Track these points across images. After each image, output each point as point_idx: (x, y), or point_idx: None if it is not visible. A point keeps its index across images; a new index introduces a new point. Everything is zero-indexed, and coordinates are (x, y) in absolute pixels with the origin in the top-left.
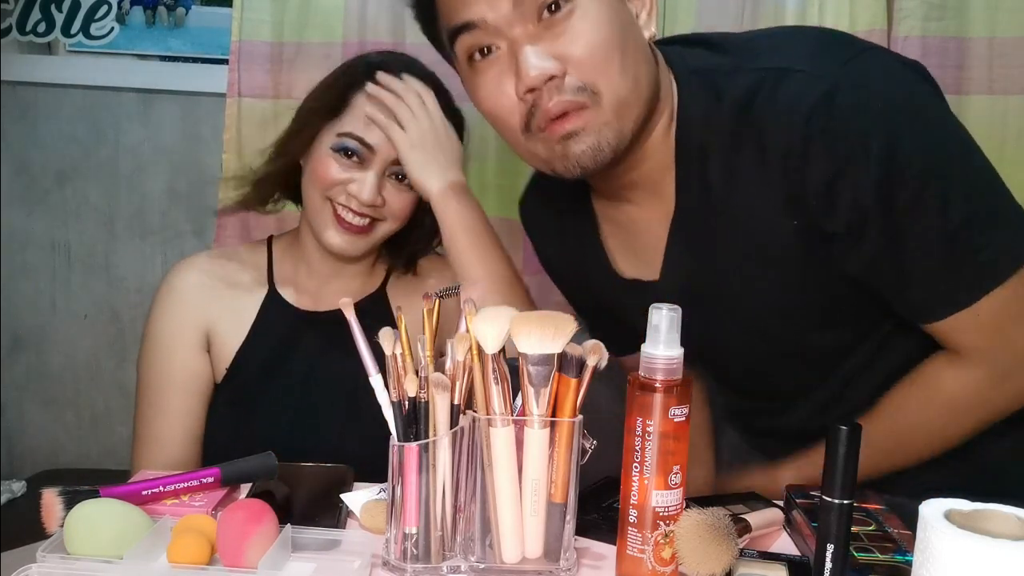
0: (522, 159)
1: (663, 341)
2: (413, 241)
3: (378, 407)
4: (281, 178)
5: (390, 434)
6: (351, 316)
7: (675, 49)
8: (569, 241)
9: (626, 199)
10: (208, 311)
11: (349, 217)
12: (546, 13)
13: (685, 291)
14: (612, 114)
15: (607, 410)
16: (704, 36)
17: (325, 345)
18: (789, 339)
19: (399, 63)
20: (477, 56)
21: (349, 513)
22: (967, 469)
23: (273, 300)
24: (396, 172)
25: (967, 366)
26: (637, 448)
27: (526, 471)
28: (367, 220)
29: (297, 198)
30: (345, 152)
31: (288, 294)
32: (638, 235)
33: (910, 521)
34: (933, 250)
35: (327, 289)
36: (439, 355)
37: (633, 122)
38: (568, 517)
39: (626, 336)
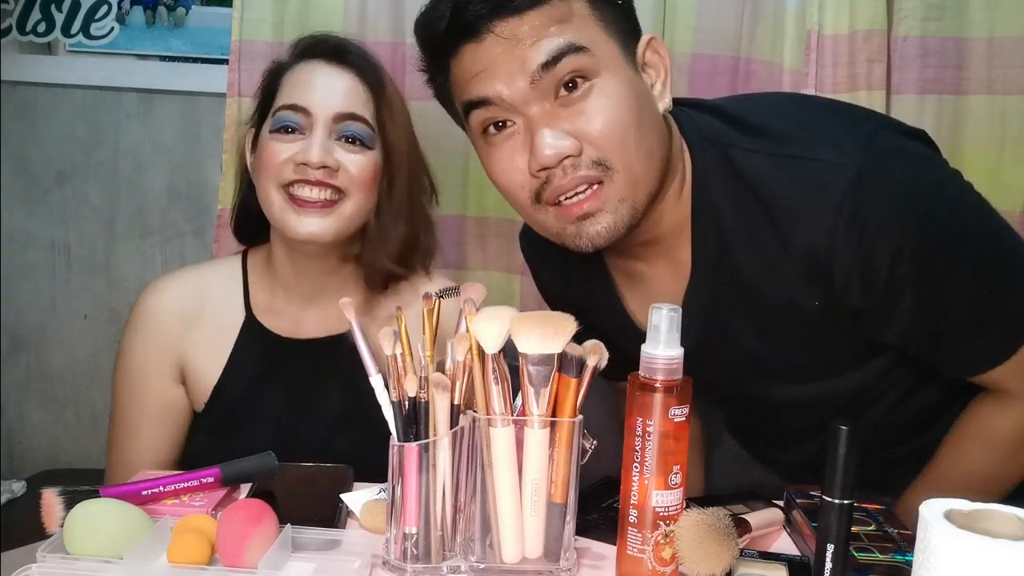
0: (530, 225)
1: (663, 341)
2: (384, 247)
3: (361, 433)
4: (249, 212)
5: (389, 435)
6: (351, 316)
7: (685, 113)
8: (576, 282)
9: (637, 257)
10: (182, 341)
11: (306, 193)
12: (563, 91)
13: (701, 343)
14: (627, 189)
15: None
16: (708, 103)
17: (307, 373)
18: (801, 388)
19: (329, 47)
20: (492, 129)
21: (349, 513)
22: None
23: (251, 327)
24: (346, 134)
25: (1017, 405)
26: (637, 448)
27: (526, 471)
28: (327, 192)
29: (261, 228)
30: (284, 129)
31: (266, 319)
32: (650, 289)
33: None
34: (966, 313)
35: (306, 314)
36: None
37: (646, 195)
38: (568, 517)
39: (627, 365)
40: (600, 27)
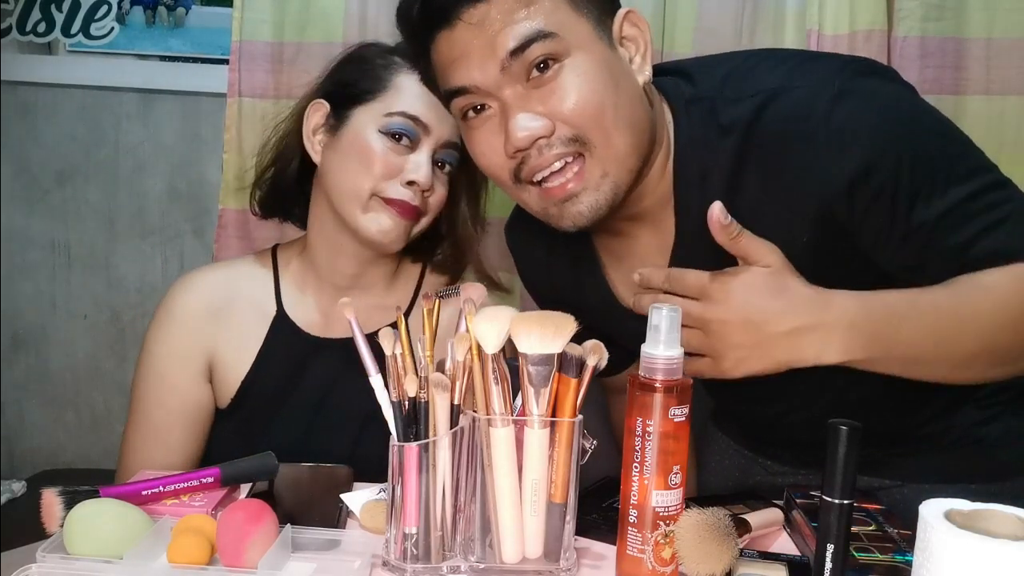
0: (516, 203)
1: (663, 341)
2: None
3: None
4: (284, 185)
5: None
6: (351, 316)
7: (671, 81)
8: (562, 270)
9: (624, 233)
10: (211, 337)
11: (406, 199)
12: (535, 72)
13: None
14: (609, 163)
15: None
16: (680, 65)
17: (336, 372)
18: None
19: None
20: (471, 113)
21: (349, 513)
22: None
23: (281, 324)
24: (442, 159)
25: None
26: (637, 448)
27: (526, 471)
28: (412, 211)
29: (293, 210)
30: (395, 136)
31: (297, 317)
32: (636, 263)
33: (910, 521)
34: (978, 212)
35: (339, 314)
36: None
37: (629, 173)
38: (568, 517)
39: (618, 356)
40: (570, 7)
